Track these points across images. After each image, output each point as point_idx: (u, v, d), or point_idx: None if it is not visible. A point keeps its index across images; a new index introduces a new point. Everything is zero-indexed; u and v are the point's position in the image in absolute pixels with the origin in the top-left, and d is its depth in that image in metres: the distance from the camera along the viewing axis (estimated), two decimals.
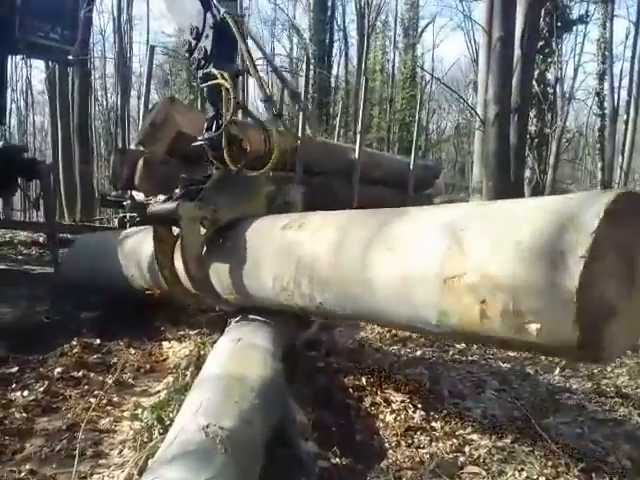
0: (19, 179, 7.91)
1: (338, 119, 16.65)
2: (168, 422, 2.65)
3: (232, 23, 4.02)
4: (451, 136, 42.05)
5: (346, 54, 33.60)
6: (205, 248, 3.77)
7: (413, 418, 3.09)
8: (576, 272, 1.61)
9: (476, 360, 4.37)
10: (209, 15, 4.19)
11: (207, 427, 1.98)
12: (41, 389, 3.25)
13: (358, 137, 10.22)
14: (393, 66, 33.28)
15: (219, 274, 3.60)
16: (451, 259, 1.97)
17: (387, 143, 30.55)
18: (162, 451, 1.95)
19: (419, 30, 34.89)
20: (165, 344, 4.48)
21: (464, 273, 1.91)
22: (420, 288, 2.06)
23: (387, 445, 2.78)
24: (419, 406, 3.22)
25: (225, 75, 3.91)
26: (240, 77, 4.16)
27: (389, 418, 3.07)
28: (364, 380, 3.51)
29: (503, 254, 1.82)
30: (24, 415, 2.91)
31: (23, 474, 2.33)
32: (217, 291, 3.72)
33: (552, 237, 1.72)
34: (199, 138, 4.28)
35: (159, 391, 3.40)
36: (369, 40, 30.02)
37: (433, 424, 3.04)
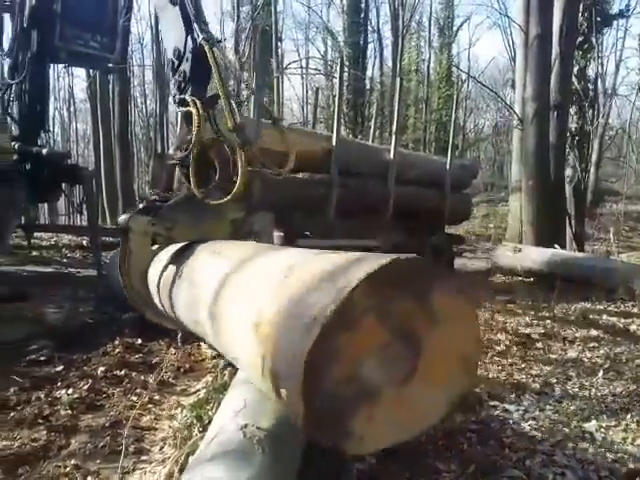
0: (63, 185, 8.17)
1: (373, 120, 16.61)
2: (207, 421, 2.69)
3: (208, 50, 4.06)
4: (489, 135, 41.43)
5: (381, 55, 33.52)
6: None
7: (454, 421, 3.06)
8: (310, 340, 1.41)
9: (516, 362, 4.30)
10: (190, 39, 4.28)
11: (245, 427, 2.01)
12: (85, 387, 3.35)
13: (393, 138, 10.16)
14: (428, 66, 32.96)
15: (162, 292, 3.40)
16: (264, 308, 1.78)
17: (423, 143, 30.27)
18: (202, 449, 1.99)
19: (454, 29, 34.54)
20: (203, 345, 4.55)
21: (260, 324, 1.73)
22: (244, 331, 1.88)
23: (426, 448, 2.76)
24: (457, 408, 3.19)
25: (197, 103, 3.98)
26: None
27: None
28: None
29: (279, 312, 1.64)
30: (69, 412, 3.00)
31: (68, 469, 2.40)
32: (159, 309, 3.60)
33: (310, 298, 1.53)
34: (174, 157, 4.36)
35: (198, 390, 3.45)
36: (404, 41, 29.85)
37: (472, 426, 3.00)
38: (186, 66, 4.27)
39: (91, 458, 2.51)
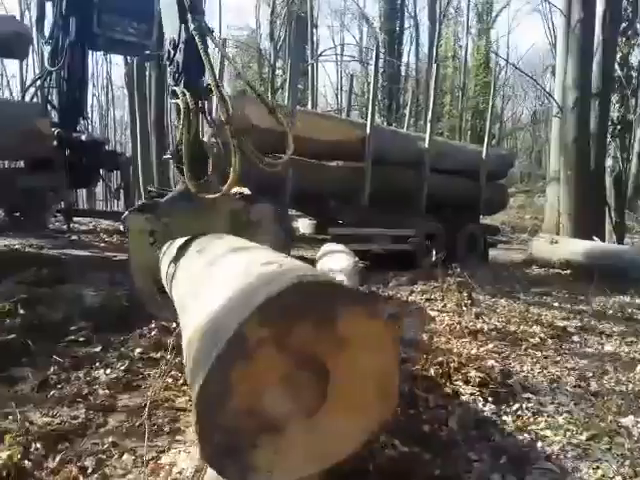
0: (101, 171, 8.35)
1: (408, 108, 16.40)
2: None
3: (198, 40, 3.99)
4: (527, 124, 40.53)
5: (417, 42, 33.03)
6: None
7: (483, 411, 3.04)
8: (203, 373, 1.34)
9: (551, 355, 4.23)
10: (183, 28, 4.18)
11: None
12: (122, 368, 3.44)
13: (428, 126, 10.04)
14: (466, 52, 32.37)
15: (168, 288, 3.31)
16: (195, 322, 1.73)
17: (459, 132, 29.81)
18: None
19: (493, 15, 33.78)
20: None
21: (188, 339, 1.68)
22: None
23: (456, 437, 2.75)
24: (489, 399, 3.17)
25: (186, 94, 3.95)
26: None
27: (458, 410, 3.04)
28: (432, 371, 3.48)
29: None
30: (107, 392, 3.08)
31: (106, 446, 2.48)
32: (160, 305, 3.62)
33: (217, 322, 1.46)
34: (167, 152, 4.28)
35: None
36: (441, 27, 29.35)
37: (504, 418, 2.98)
38: (179, 56, 4.21)
39: (128, 436, 2.58)
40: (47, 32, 7.89)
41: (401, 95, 30.18)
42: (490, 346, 4.29)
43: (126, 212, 4.15)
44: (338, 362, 1.50)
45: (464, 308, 5.50)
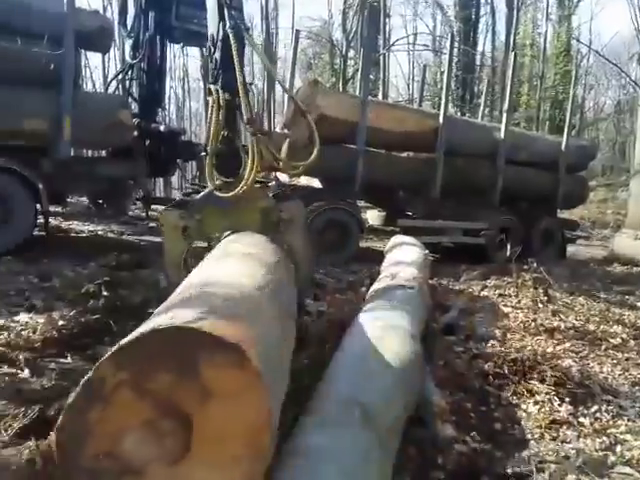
0: (178, 160, 8.62)
1: (483, 97, 15.90)
2: (308, 391, 2.76)
3: (233, 39, 3.98)
4: (610, 114, 38.44)
5: (493, 29, 31.96)
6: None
7: (559, 411, 2.92)
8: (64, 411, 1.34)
9: (633, 357, 4.01)
10: (221, 26, 4.19)
11: (347, 400, 2.03)
12: None
13: (504, 116, 9.73)
14: (545, 40, 30.99)
15: None
16: None
17: (536, 122, 28.66)
18: (304, 417, 2.04)
19: (575, 0, 32.17)
20: (306, 318, 4.65)
21: None
22: None
23: (529, 436, 2.67)
24: (566, 400, 3.04)
25: (219, 92, 3.97)
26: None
27: (532, 409, 2.94)
28: (506, 368, 3.38)
29: None
30: None
31: None
32: None
33: None
34: (204, 149, 4.22)
35: (300, 360, 3.54)
36: (519, 13, 28.26)
37: (581, 419, 2.85)
38: (217, 54, 4.24)
39: None
40: (129, 26, 8.21)
41: (475, 84, 29.35)
42: (567, 345, 4.12)
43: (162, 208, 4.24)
44: (202, 412, 1.43)
45: (540, 305, 5.30)
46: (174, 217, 3.95)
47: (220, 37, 4.21)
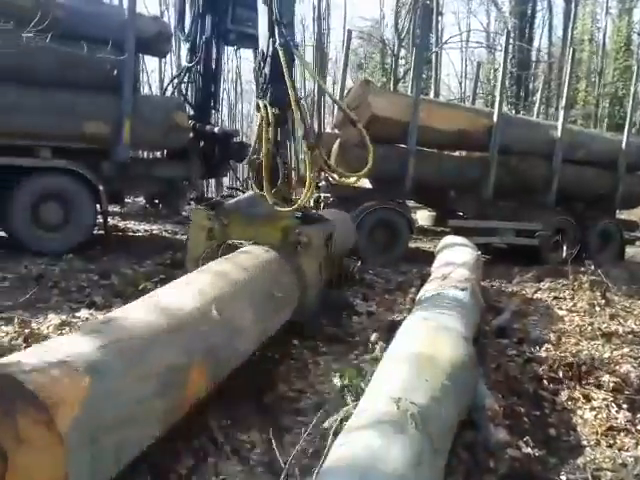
0: (230, 161, 8.79)
1: (539, 94, 15.48)
2: (359, 390, 2.78)
3: (282, 56, 4.12)
4: None
5: (550, 24, 31.00)
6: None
7: (616, 418, 2.84)
8: None
9: None
10: (271, 41, 4.30)
11: (399, 400, 2.03)
12: None
13: (561, 113, 9.45)
14: (604, 35, 29.86)
15: None
16: None
17: (594, 119, 27.68)
18: (356, 417, 2.06)
19: None
20: (355, 318, 4.67)
21: None
22: None
23: (585, 443, 2.61)
24: (624, 406, 2.95)
25: (267, 107, 4.12)
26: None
27: (588, 415, 2.87)
28: (561, 373, 3.31)
29: None
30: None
31: (229, 422, 2.64)
32: None
33: None
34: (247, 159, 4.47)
35: (350, 361, 3.56)
36: (577, 8, 27.34)
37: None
38: (267, 69, 4.34)
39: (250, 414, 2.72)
40: (186, 30, 8.43)
41: (531, 81, 28.60)
42: (626, 350, 3.98)
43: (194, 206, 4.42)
44: (15, 453, 1.61)
45: (597, 308, 5.14)
46: (202, 217, 4.19)
47: (270, 53, 4.31)
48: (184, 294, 2.67)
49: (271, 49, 4.29)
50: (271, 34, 4.29)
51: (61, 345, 1.94)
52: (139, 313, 2.35)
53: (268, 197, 4.08)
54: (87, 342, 1.95)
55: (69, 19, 5.99)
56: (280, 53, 4.13)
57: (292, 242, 4.01)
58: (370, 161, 4.32)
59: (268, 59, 4.33)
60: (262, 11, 4.46)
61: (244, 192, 4.64)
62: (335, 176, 4.58)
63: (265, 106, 4.18)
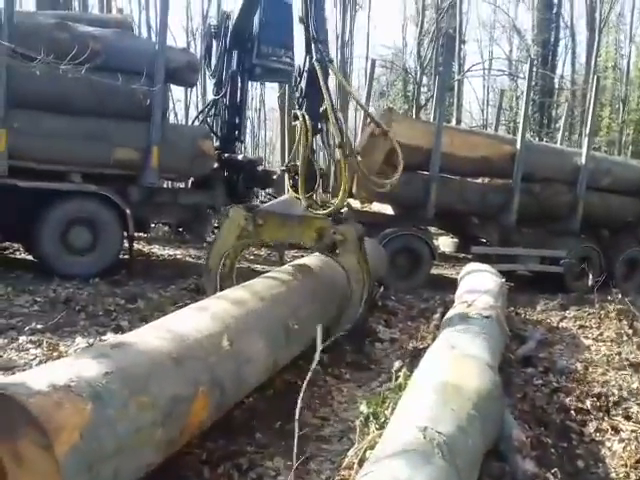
0: (255, 188, 8.92)
1: (563, 121, 15.44)
2: (383, 419, 2.78)
3: (319, 71, 4.42)
4: None
5: (573, 52, 30.99)
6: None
7: None
8: None
9: None
10: (307, 58, 4.63)
11: (425, 430, 2.02)
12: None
13: (586, 140, 9.41)
14: (629, 61, 29.76)
15: None
16: None
17: (618, 146, 27.46)
18: (381, 445, 2.06)
19: None
20: (378, 345, 4.66)
21: None
22: None
23: (613, 475, 2.56)
24: None
25: (305, 117, 4.42)
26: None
27: (617, 447, 2.82)
28: (589, 404, 3.26)
29: None
30: (257, 396, 3.25)
31: (253, 448, 2.65)
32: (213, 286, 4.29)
33: None
34: (283, 166, 4.89)
35: (373, 388, 3.56)
36: (600, 35, 27.36)
37: None
38: (303, 83, 4.69)
39: (277, 440, 2.72)
40: (212, 65, 8.70)
41: (554, 108, 28.54)
42: None
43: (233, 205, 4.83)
44: (14, 472, 1.69)
45: (624, 337, 5.06)
46: (239, 216, 4.36)
47: (306, 68, 4.63)
48: (197, 320, 2.70)
49: (307, 65, 4.62)
50: (307, 51, 4.61)
51: (69, 367, 1.99)
52: (149, 338, 2.38)
53: (303, 200, 4.36)
54: (93, 366, 1.98)
55: (104, 51, 6.20)
56: (317, 67, 4.43)
57: (328, 243, 4.24)
58: (400, 168, 4.64)
59: (305, 74, 4.68)
60: (299, 30, 4.81)
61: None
62: (374, 180, 4.86)
63: (303, 116, 4.45)
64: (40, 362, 3.51)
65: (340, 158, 4.45)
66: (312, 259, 4.83)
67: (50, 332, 4.28)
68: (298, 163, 4.46)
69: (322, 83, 4.35)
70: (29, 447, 1.65)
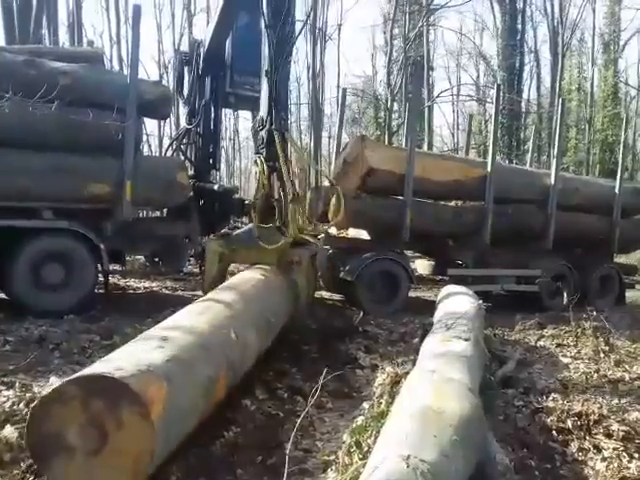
0: (231, 217, 8.89)
1: (531, 144, 15.82)
2: (366, 448, 2.74)
3: (277, 138, 5.54)
4: None
5: (538, 76, 31.91)
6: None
7: (628, 468, 2.79)
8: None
9: None
10: (269, 119, 5.64)
11: (408, 458, 2.00)
12: (252, 408, 3.57)
13: (554, 161, 9.64)
14: (592, 84, 30.70)
15: None
16: None
17: (586, 166, 28.17)
18: (366, 476, 2.03)
19: (621, 44, 31.94)
20: (359, 371, 4.63)
21: None
22: None
23: None
24: (635, 455, 2.90)
25: (264, 163, 5.57)
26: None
27: (600, 466, 2.82)
28: (570, 423, 3.27)
29: None
30: (238, 430, 3.20)
31: None
32: None
33: None
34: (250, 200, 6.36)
35: (356, 416, 3.52)
36: (563, 59, 28.26)
37: None
38: (264, 134, 5.67)
39: (260, 474, 2.67)
40: (185, 93, 8.71)
41: (522, 131, 29.23)
42: (634, 397, 3.95)
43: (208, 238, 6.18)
44: (114, 434, 2.22)
45: (601, 355, 5.12)
46: (215, 245, 5.55)
47: (267, 127, 5.63)
48: (199, 321, 3.35)
49: (268, 124, 5.63)
50: (269, 112, 5.62)
51: (140, 353, 2.65)
52: (185, 331, 3.08)
53: (256, 230, 5.43)
54: (157, 353, 2.64)
55: (74, 86, 6.16)
56: (275, 135, 5.52)
57: (285, 262, 5.34)
58: (341, 211, 6.17)
59: (266, 125, 5.66)
60: (265, 84, 5.75)
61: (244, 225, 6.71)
62: (315, 223, 6.56)
63: (261, 161, 5.58)
64: (13, 404, 3.39)
65: (289, 204, 5.58)
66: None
67: (23, 372, 4.14)
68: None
69: (279, 148, 5.48)
70: (130, 416, 2.21)
